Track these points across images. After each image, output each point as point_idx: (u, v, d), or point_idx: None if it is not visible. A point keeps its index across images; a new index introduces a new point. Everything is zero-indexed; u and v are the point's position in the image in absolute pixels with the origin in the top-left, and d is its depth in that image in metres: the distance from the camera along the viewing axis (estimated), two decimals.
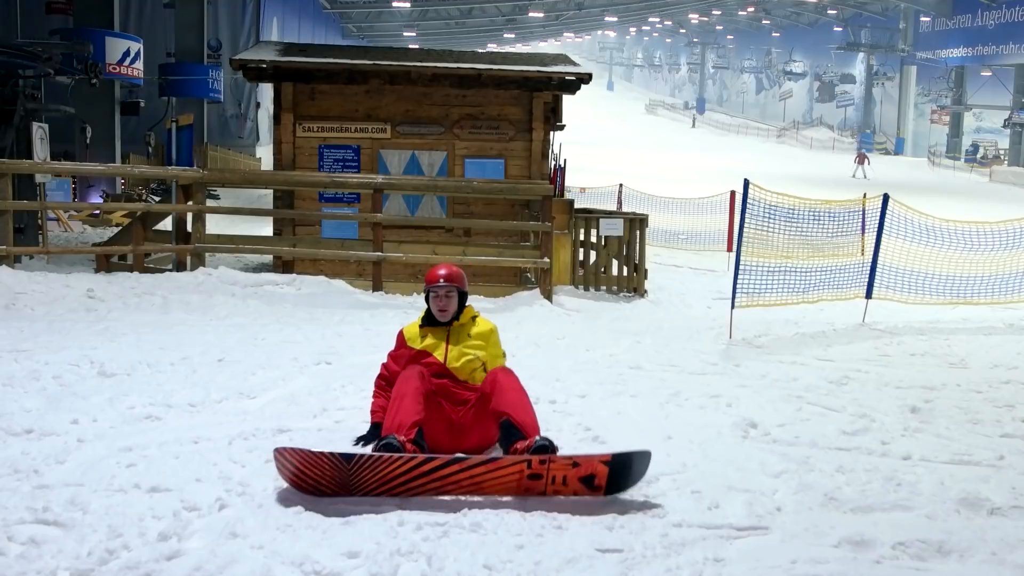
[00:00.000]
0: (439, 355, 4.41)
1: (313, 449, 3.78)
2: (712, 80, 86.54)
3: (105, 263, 9.92)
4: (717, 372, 6.60)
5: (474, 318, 4.58)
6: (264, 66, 11.21)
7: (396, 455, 3.78)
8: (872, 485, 4.14)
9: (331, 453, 3.74)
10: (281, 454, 3.74)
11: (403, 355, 4.51)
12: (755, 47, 78.44)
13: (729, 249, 14.19)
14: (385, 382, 4.51)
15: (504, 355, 4.67)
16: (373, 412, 4.48)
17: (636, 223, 11.06)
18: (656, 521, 3.60)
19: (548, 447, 3.93)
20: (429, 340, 4.46)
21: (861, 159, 41.77)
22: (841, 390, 6.09)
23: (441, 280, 4.46)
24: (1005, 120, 47.86)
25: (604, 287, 10.82)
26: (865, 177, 38.22)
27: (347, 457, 3.74)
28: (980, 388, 6.31)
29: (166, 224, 11.38)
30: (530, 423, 4.09)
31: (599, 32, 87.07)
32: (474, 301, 9.23)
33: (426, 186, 10.75)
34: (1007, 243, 10.38)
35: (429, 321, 4.51)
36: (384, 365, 4.58)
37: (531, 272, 10.60)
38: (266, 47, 13.81)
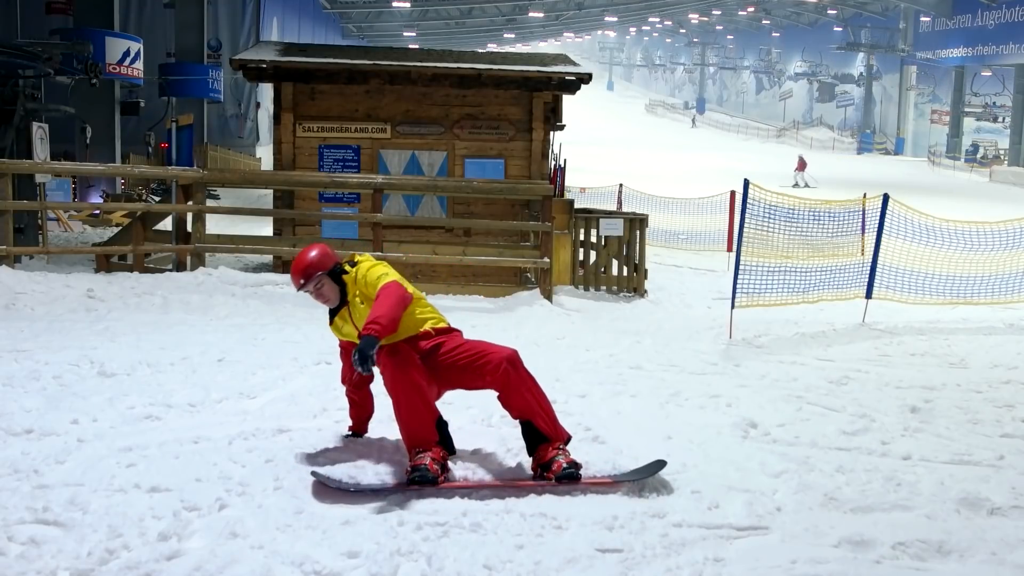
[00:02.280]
0: (355, 338, 4.18)
1: (351, 484, 3.85)
2: (712, 80, 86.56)
3: (105, 263, 9.92)
4: (717, 372, 6.60)
5: (356, 279, 4.17)
6: (264, 66, 11.21)
7: (430, 484, 3.84)
8: (872, 485, 4.14)
9: (371, 488, 3.84)
10: (318, 480, 3.88)
11: (343, 351, 4.40)
12: (755, 47, 78.50)
13: (729, 249, 14.19)
14: (351, 388, 4.41)
15: (385, 276, 4.11)
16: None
17: (636, 223, 11.06)
18: (656, 521, 3.60)
19: (574, 475, 3.95)
20: (342, 325, 4.26)
21: (801, 165, 38.11)
22: (841, 390, 6.09)
23: (297, 286, 4.15)
24: (980, 113, 48.48)
25: (604, 287, 10.82)
26: (806, 185, 35.00)
27: (386, 485, 3.87)
28: (980, 388, 6.32)
29: (166, 224, 11.39)
30: (550, 425, 4.07)
31: (599, 32, 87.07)
32: (474, 301, 9.35)
33: (426, 186, 10.75)
34: (1007, 243, 10.38)
35: (332, 309, 4.29)
36: (341, 372, 4.46)
37: (531, 272, 10.60)
38: (266, 47, 13.81)
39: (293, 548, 3.26)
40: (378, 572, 3.11)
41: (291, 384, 5.66)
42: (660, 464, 4.11)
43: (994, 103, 48.45)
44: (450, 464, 4.06)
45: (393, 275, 4.14)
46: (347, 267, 4.20)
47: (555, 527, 3.52)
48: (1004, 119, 48.10)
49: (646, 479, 4.01)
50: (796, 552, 3.39)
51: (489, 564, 3.20)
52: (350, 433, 4.52)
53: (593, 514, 3.63)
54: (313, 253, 4.15)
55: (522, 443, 4.32)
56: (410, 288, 4.17)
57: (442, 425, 4.08)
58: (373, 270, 4.14)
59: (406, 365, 3.96)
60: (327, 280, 4.15)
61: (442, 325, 4.24)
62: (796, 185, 35.22)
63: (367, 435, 4.52)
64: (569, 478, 3.92)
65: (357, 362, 3.79)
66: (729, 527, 3.59)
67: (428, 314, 4.23)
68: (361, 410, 4.48)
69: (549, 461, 3.99)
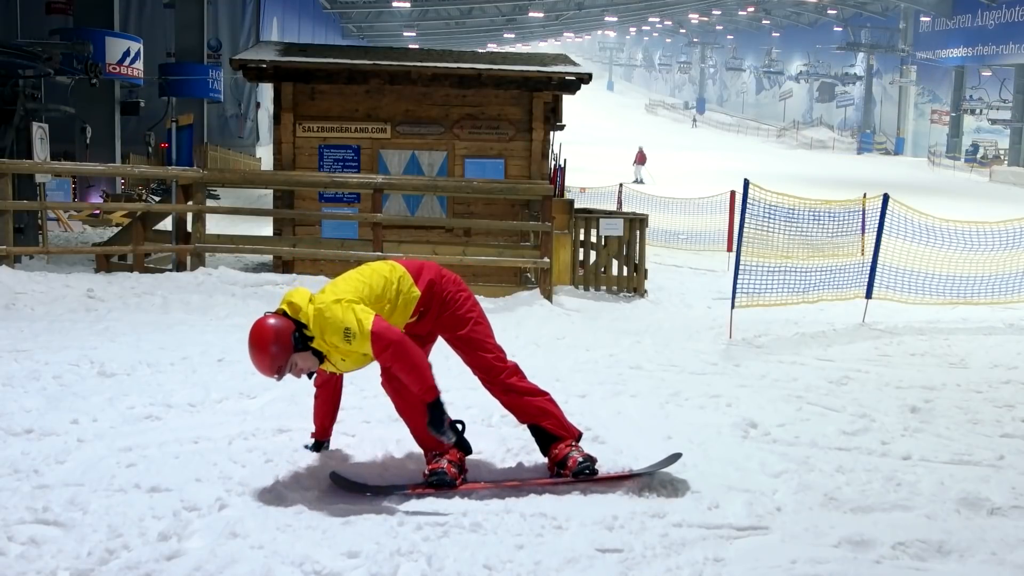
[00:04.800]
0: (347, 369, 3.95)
1: (370, 486, 3.84)
2: (712, 80, 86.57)
3: (105, 263, 9.92)
4: (717, 372, 6.60)
5: (320, 335, 3.70)
6: (264, 66, 11.21)
7: (449, 487, 3.84)
8: (872, 485, 4.14)
9: (389, 488, 3.83)
10: (336, 480, 3.85)
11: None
12: (755, 47, 78.48)
13: (729, 249, 14.18)
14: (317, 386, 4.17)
15: (353, 335, 3.63)
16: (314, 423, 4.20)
17: (636, 223, 11.06)
18: (656, 521, 3.60)
19: (592, 469, 3.96)
20: (332, 368, 3.92)
21: (640, 158, 35.43)
22: (841, 390, 6.09)
23: (274, 376, 3.71)
24: (957, 106, 49.66)
25: (604, 287, 10.82)
26: (642, 182, 32.07)
27: (403, 488, 3.85)
28: (980, 388, 6.31)
29: (166, 224, 11.39)
30: (558, 425, 4.06)
31: (599, 32, 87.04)
32: None
33: (426, 186, 10.75)
34: (1007, 243, 10.38)
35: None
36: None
37: (531, 272, 10.60)
38: (266, 47, 13.81)
39: (293, 548, 3.25)
40: (378, 572, 3.11)
41: (291, 384, 5.64)
42: (675, 456, 4.14)
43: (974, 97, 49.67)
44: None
45: (357, 313, 3.63)
46: (304, 329, 3.68)
47: (555, 527, 3.52)
48: (981, 111, 49.24)
49: (659, 470, 4.04)
50: (796, 552, 3.39)
51: (489, 564, 3.20)
52: (312, 442, 4.25)
53: (593, 514, 3.63)
54: (268, 348, 3.61)
55: (522, 443, 4.33)
56: (369, 284, 3.82)
57: (455, 426, 4.02)
58: (330, 321, 3.63)
59: (401, 382, 3.86)
60: (297, 356, 3.69)
61: (414, 294, 3.90)
62: (637, 180, 32.73)
63: (367, 436, 4.51)
64: (585, 473, 3.94)
65: (432, 430, 3.71)
66: (729, 527, 3.59)
67: (397, 302, 3.88)
68: (325, 416, 4.22)
69: (564, 458, 4.00)
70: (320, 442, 4.27)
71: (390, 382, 3.91)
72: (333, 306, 3.67)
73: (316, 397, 4.20)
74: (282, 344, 3.63)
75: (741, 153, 50.24)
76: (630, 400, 5.59)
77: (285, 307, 3.74)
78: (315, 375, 3.96)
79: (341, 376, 4.15)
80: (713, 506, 3.79)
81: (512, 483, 3.97)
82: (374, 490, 3.83)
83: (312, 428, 4.31)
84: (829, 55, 67.27)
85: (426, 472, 3.92)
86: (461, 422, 4.03)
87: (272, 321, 3.67)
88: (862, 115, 65.07)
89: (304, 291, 3.83)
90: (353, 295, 3.74)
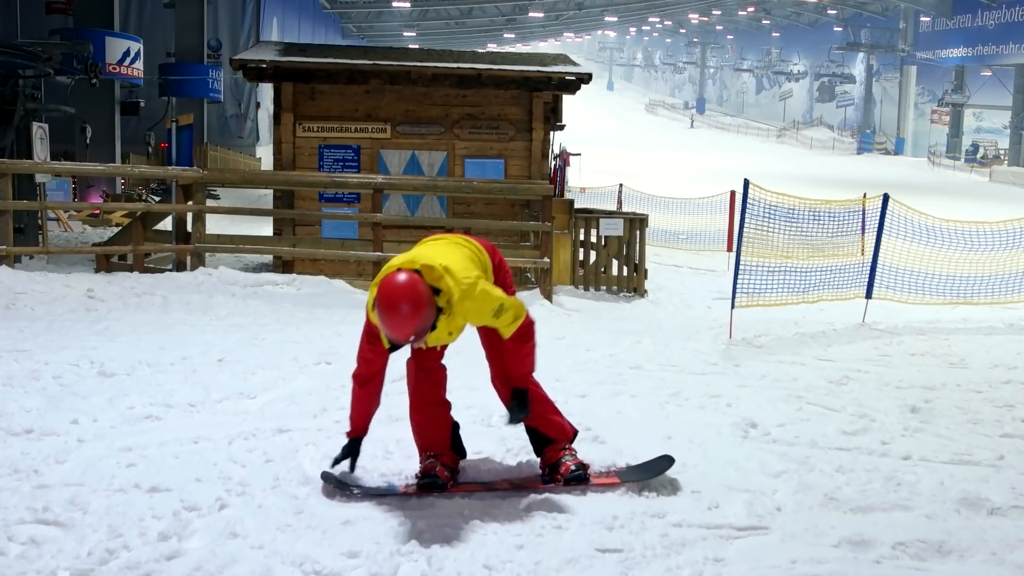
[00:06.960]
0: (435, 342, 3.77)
1: (360, 486, 3.83)
2: (712, 80, 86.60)
3: (105, 263, 9.92)
4: (717, 372, 6.59)
5: (458, 307, 3.56)
6: (264, 66, 11.22)
7: (440, 490, 3.83)
8: (872, 485, 4.13)
9: (379, 489, 3.83)
10: (327, 479, 3.85)
11: (375, 341, 3.72)
12: (755, 47, 78.51)
13: (729, 249, 14.19)
14: (362, 381, 3.85)
15: (504, 310, 3.67)
16: (351, 421, 3.91)
17: (636, 223, 11.07)
18: (656, 521, 3.60)
19: (583, 477, 3.95)
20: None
21: (565, 160, 34.86)
22: (841, 390, 6.09)
23: (409, 340, 3.52)
24: (939, 100, 50.03)
25: (604, 287, 10.82)
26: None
27: (393, 489, 3.85)
28: (980, 388, 6.31)
29: (166, 224, 11.39)
30: (553, 427, 4.04)
31: (599, 32, 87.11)
32: None
33: (426, 186, 10.75)
34: (1007, 243, 10.38)
35: None
36: (363, 360, 3.80)
37: (531, 272, 10.60)
38: (266, 47, 13.82)
39: (293, 548, 3.25)
40: (378, 572, 3.11)
41: (291, 384, 5.65)
42: (668, 462, 4.10)
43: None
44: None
45: (501, 293, 3.67)
46: (441, 299, 3.50)
47: (555, 527, 3.52)
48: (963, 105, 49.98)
49: (652, 479, 4.01)
50: (796, 552, 3.38)
51: (489, 564, 3.19)
52: (346, 444, 3.94)
53: (593, 514, 3.63)
54: (423, 308, 3.40)
55: (522, 443, 4.33)
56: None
57: (454, 428, 4.03)
58: (480, 298, 3.55)
59: (430, 381, 3.88)
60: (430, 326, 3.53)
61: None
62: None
63: (368, 436, 4.48)
64: (577, 480, 3.93)
65: (516, 413, 3.81)
66: (729, 527, 3.59)
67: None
68: (372, 407, 3.92)
69: (557, 463, 3.99)
70: (358, 440, 3.93)
71: (411, 364, 3.88)
72: (480, 282, 3.58)
73: (363, 388, 3.84)
74: (431, 306, 3.46)
75: (741, 153, 50.26)
76: (630, 400, 5.59)
77: (420, 269, 3.49)
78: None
79: (386, 365, 3.87)
80: (713, 506, 3.79)
81: (503, 486, 3.96)
82: (363, 490, 3.82)
83: (343, 423, 4.07)
84: (829, 55, 67.33)
85: (418, 473, 3.92)
86: (456, 424, 4.04)
87: (420, 283, 3.44)
88: (862, 115, 65.09)
89: (431, 254, 3.61)
90: (477, 276, 3.67)
